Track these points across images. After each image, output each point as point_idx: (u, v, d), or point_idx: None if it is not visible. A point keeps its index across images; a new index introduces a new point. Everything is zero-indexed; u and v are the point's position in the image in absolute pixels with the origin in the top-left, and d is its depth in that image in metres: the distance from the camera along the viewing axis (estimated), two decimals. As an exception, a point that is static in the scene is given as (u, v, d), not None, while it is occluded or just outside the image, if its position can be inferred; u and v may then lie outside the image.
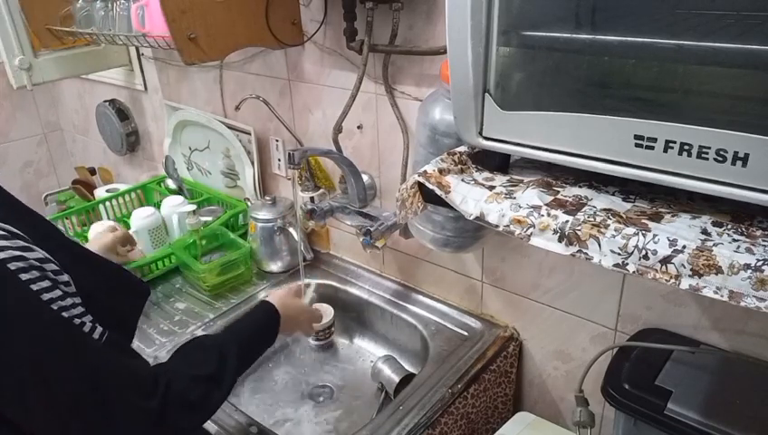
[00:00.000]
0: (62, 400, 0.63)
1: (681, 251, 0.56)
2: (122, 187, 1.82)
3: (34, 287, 0.61)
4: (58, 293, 0.63)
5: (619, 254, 0.59)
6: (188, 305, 1.35)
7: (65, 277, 0.66)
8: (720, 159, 0.55)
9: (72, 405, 0.63)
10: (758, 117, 0.53)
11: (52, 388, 0.62)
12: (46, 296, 0.62)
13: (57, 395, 0.62)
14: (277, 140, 1.48)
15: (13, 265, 0.59)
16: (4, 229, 0.61)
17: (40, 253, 0.63)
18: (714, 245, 0.56)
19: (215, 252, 1.50)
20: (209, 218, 1.54)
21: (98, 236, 1.21)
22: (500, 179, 0.75)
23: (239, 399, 1.25)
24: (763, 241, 0.56)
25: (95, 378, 0.64)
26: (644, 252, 0.57)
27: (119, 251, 1.19)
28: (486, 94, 0.69)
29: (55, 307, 0.63)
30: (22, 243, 0.62)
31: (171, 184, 1.75)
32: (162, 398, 0.69)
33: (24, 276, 0.60)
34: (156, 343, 1.22)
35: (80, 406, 0.63)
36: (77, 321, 0.66)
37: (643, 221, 0.61)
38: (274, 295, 1.04)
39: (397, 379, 1.16)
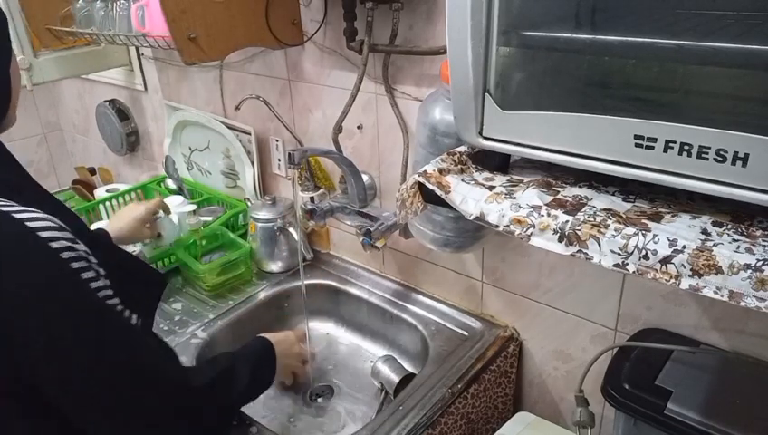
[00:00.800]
0: (110, 382, 0.66)
1: (681, 251, 0.56)
2: (122, 187, 1.82)
3: (84, 276, 0.64)
4: (102, 283, 0.67)
5: (619, 254, 0.59)
6: (188, 305, 1.35)
7: (102, 271, 0.68)
8: (720, 159, 0.55)
9: (117, 386, 0.67)
10: (758, 117, 0.53)
11: (102, 370, 0.65)
12: (94, 285, 0.65)
13: (117, 380, 0.66)
14: (277, 140, 1.48)
15: (65, 255, 0.62)
16: (54, 221, 0.63)
17: (84, 245, 0.66)
18: (714, 245, 0.56)
19: (215, 252, 1.50)
20: (209, 218, 1.54)
21: (131, 208, 1.25)
22: (500, 179, 0.75)
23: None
24: (763, 241, 0.56)
25: (138, 358, 0.69)
26: (644, 252, 0.57)
27: (149, 223, 1.27)
28: (486, 94, 0.69)
29: (101, 295, 0.66)
30: (70, 235, 0.64)
31: (171, 184, 1.75)
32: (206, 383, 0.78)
33: (75, 265, 0.63)
34: (156, 343, 1.22)
35: (123, 387, 0.67)
36: (119, 308, 0.69)
37: (643, 221, 0.61)
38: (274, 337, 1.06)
39: (396, 379, 1.16)
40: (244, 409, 1.02)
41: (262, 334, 1.04)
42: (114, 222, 1.22)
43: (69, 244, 0.63)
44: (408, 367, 1.24)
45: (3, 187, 0.66)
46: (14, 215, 0.61)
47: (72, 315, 0.63)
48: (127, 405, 0.68)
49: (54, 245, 0.62)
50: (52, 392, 0.65)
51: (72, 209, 1.66)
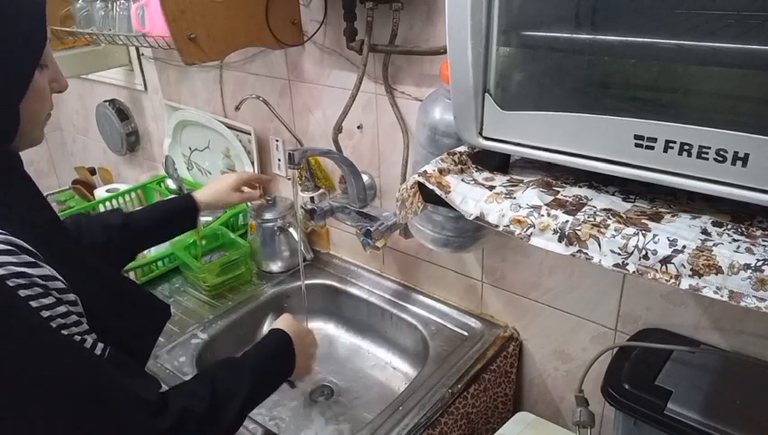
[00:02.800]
0: (64, 415, 0.62)
1: (681, 251, 0.56)
2: (122, 187, 1.82)
3: (34, 304, 0.60)
4: (61, 310, 0.63)
5: (619, 254, 0.59)
6: (188, 305, 1.35)
7: (72, 296, 0.65)
8: (720, 159, 0.55)
9: (73, 420, 0.63)
10: (758, 117, 0.53)
11: (53, 403, 0.61)
12: (46, 314, 0.61)
13: (57, 410, 0.62)
14: (277, 140, 1.48)
15: (12, 282, 0.59)
16: (12, 244, 0.60)
17: (47, 269, 0.62)
18: (714, 245, 0.56)
19: (215, 252, 1.50)
20: (209, 218, 1.54)
21: (225, 176, 1.24)
22: (500, 179, 0.75)
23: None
24: (763, 241, 0.56)
25: (95, 393, 0.64)
26: (644, 252, 0.57)
27: (243, 190, 1.24)
28: (486, 94, 0.69)
29: (54, 324, 0.62)
30: (28, 258, 0.61)
31: (171, 184, 1.75)
32: (177, 418, 0.69)
33: (23, 292, 0.59)
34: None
35: (81, 421, 0.63)
36: (77, 338, 0.65)
37: (643, 221, 0.61)
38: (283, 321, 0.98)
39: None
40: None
41: (279, 326, 0.96)
42: (204, 189, 1.21)
43: (20, 269, 0.60)
44: (409, 367, 1.24)
45: None
46: None
47: (10, 345, 0.59)
48: None
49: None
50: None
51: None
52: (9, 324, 0.59)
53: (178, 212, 1.13)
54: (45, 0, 0.68)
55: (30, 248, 0.62)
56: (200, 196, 1.16)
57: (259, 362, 0.88)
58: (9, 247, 0.60)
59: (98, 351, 0.67)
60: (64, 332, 0.63)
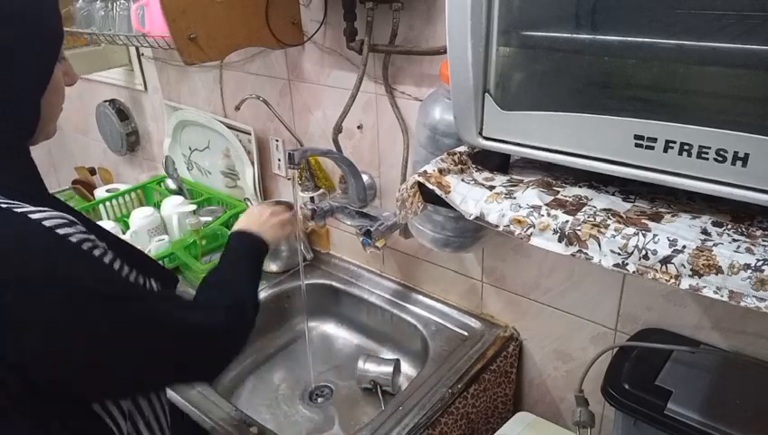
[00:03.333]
0: (155, 345, 0.69)
1: (681, 251, 0.56)
2: (122, 187, 1.82)
3: (106, 260, 0.66)
4: (119, 262, 0.69)
5: (619, 254, 0.59)
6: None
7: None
8: (720, 159, 0.55)
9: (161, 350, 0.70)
10: (758, 117, 0.53)
11: (151, 335, 0.68)
12: (116, 265, 0.68)
13: (155, 340, 0.69)
14: (277, 140, 1.48)
15: (85, 246, 0.64)
16: (67, 219, 0.65)
17: (94, 235, 0.68)
18: (714, 245, 0.56)
19: (215, 252, 1.49)
20: (209, 218, 1.54)
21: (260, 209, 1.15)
22: (500, 179, 0.75)
23: (238, 399, 1.25)
24: (763, 241, 0.56)
25: (168, 320, 0.71)
26: (644, 252, 0.57)
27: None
28: (486, 94, 0.69)
29: (123, 273, 0.69)
30: (83, 228, 0.66)
31: (171, 184, 1.75)
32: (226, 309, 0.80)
33: (96, 253, 0.65)
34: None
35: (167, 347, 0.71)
36: (141, 280, 0.73)
37: (643, 221, 0.61)
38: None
39: (389, 369, 1.17)
40: (244, 409, 1.02)
41: (236, 228, 1.03)
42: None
43: (83, 236, 0.65)
44: (408, 367, 1.24)
45: (20, 196, 0.67)
46: (29, 215, 0.63)
47: (103, 296, 0.64)
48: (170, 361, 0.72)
49: (72, 239, 0.63)
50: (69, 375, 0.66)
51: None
52: (102, 280, 0.65)
53: None
54: None
55: (77, 222, 0.67)
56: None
57: (230, 258, 0.95)
58: (68, 220, 0.65)
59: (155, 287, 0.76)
60: (131, 278, 0.71)
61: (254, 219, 1.04)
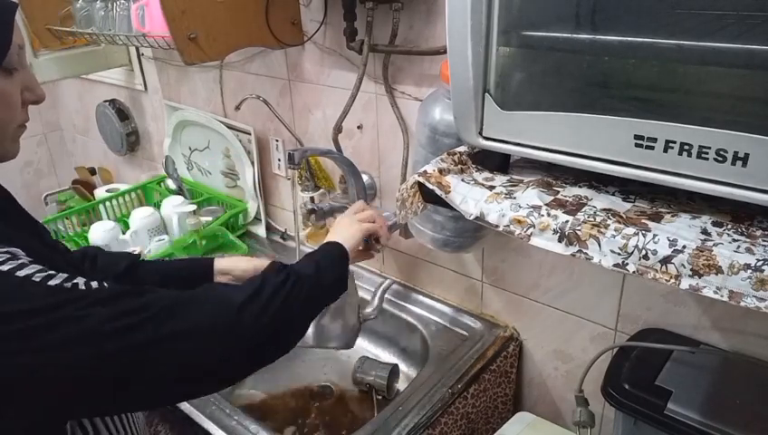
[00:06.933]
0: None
1: (681, 251, 0.56)
2: (122, 187, 1.82)
3: (21, 273, 0.57)
4: (37, 267, 0.59)
5: (619, 254, 0.59)
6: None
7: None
8: (720, 159, 0.55)
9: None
10: (758, 117, 0.53)
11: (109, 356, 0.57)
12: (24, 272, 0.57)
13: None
14: (277, 140, 1.48)
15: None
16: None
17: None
18: (714, 245, 0.56)
19: (215, 252, 1.50)
20: (209, 218, 1.54)
21: (259, 259, 1.04)
22: (500, 179, 0.75)
23: (240, 399, 1.25)
24: (763, 241, 0.56)
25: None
26: (644, 252, 0.57)
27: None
28: (486, 94, 0.69)
29: (38, 278, 0.58)
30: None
31: (171, 184, 1.75)
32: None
33: (5, 268, 0.56)
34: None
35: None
36: (68, 284, 0.59)
37: (643, 221, 0.61)
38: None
39: (385, 373, 1.17)
40: (243, 409, 1.02)
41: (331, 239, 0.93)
42: (233, 263, 1.00)
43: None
44: (408, 367, 1.24)
45: None
46: None
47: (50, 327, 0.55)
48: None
49: None
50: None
51: (72, 210, 1.68)
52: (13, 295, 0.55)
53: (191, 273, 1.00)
54: (15, 5, 0.65)
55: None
56: (224, 265, 0.99)
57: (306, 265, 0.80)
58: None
59: (94, 284, 0.61)
60: (52, 282, 0.58)
61: (343, 224, 0.95)
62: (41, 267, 0.58)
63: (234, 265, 0.97)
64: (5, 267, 0.56)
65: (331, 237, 0.92)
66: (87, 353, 0.56)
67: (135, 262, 0.94)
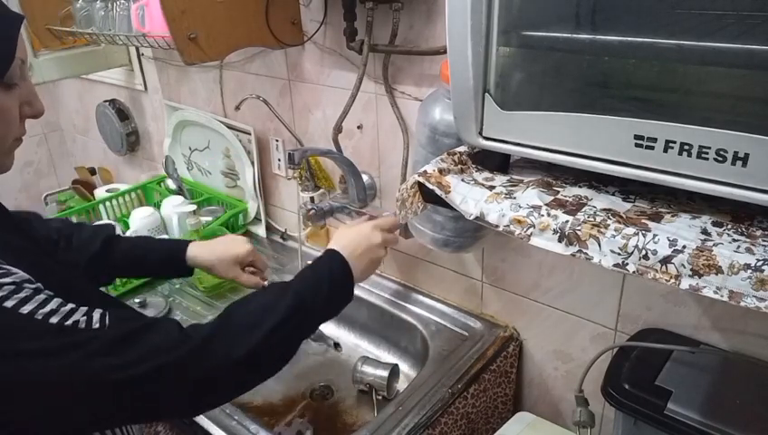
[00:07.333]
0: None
1: (681, 251, 0.56)
2: (122, 187, 1.82)
3: (9, 303, 0.57)
4: (41, 298, 0.59)
5: (619, 254, 0.59)
6: (188, 305, 1.35)
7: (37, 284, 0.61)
8: (720, 159, 0.55)
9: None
10: (758, 117, 0.53)
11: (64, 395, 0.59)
12: (28, 307, 0.58)
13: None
14: (277, 140, 1.48)
15: None
16: None
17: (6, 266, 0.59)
18: (714, 245, 0.56)
19: (215, 252, 1.49)
20: (209, 218, 1.54)
21: (236, 242, 1.05)
22: (500, 179, 0.75)
23: (240, 399, 1.25)
24: (763, 241, 0.56)
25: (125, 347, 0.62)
26: (644, 252, 0.57)
27: (244, 268, 1.05)
28: (486, 94, 0.69)
29: (40, 316, 0.59)
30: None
31: (171, 184, 1.75)
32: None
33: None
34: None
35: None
36: (68, 322, 0.60)
37: (643, 221, 0.61)
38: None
39: (385, 373, 1.17)
40: (243, 409, 1.02)
41: (332, 247, 0.87)
42: (206, 245, 1.04)
43: None
44: (408, 367, 1.24)
45: None
46: None
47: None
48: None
49: None
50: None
51: (72, 210, 1.68)
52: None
53: (161, 254, 1.02)
54: (20, 18, 0.64)
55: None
56: (197, 252, 1.01)
57: (304, 285, 0.80)
58: None
59: (95, 323, 0.61)
60: (53, 319, 0.59)
61: (358, 250, 0.88)
62: (43, 298, 0.59)
63: (208, 256, 1.01)
64: (9, 303, 0.56)
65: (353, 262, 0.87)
66: (86, 392, 0.60)
67: (110, 238, 0.96)
